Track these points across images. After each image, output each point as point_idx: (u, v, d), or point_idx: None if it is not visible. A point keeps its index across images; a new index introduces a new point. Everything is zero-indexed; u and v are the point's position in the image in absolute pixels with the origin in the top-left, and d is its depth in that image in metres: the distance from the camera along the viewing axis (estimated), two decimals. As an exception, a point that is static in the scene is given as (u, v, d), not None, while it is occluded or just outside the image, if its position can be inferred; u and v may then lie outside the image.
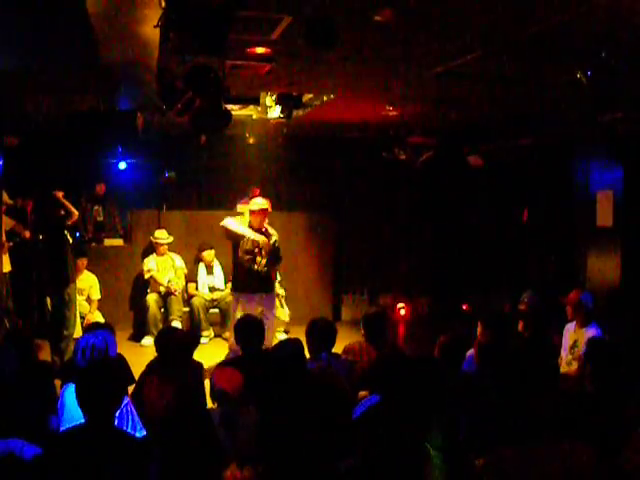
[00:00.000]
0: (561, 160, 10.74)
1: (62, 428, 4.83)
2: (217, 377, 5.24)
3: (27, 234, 10.79)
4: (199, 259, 11.73)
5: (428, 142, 12.64)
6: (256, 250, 9.20)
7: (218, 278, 11.74)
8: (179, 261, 11.56)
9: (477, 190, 13.08)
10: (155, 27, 5.00)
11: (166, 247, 11.47)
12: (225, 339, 11.15)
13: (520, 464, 3.94)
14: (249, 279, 9.25)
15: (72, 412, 4.82)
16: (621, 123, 8.62)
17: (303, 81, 8.00)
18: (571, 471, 3.91)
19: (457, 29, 5.70)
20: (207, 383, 5.92)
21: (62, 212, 9.17)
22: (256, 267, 9.14)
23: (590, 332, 7.17)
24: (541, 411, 4.19)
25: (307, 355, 6.03)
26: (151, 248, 11.63)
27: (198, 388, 6.13)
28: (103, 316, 10.58)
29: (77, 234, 11.38)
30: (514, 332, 7.45)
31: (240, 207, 13.01)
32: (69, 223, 9.28)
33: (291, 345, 5.88)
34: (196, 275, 11.65)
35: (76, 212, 9.35)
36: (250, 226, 9.29)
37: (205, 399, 6.10)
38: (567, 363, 7.28)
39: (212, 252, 11.63)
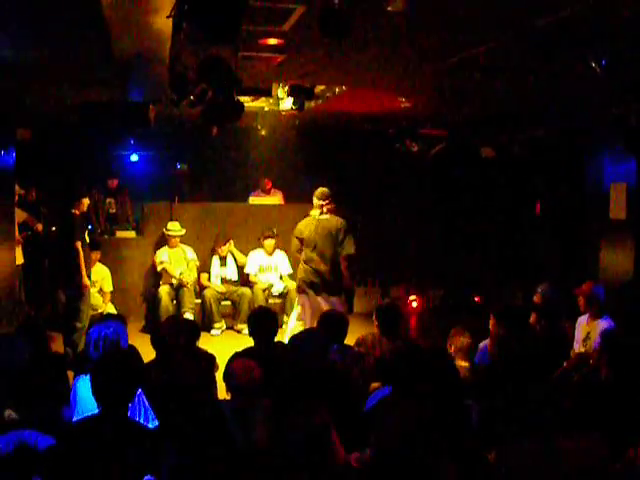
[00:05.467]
0: (574, 152, 10.68)
1: (74, 419, 4.84)
2: (234, 368, 5.23)
3: (39, 227, 10.82)
4: (214, 251, 11.75)
5: (440, 134, 12.62)
6: None
7: (231, 270, 11.76)
8: (191, 253, 11.57)
9: (489, 182, 13.03)
10: (167, 18, 4.99)
11: (178, 239, 11.49)
12: (238, 331, 11.18)
13: (533, 457, 3.93)
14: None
15: (85, 403, 4.84)
16: (635, 114, 8.58)
17: (315, 72, 7.97)
18: (585, 464, 3.90)
19: (470, 20, 5.67)
20: (219, 375, 5.94)
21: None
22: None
23: (603, 324, 7.14)
24: (555, 403, 4.18)
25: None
26: (163, 240, 11.65)
27: (209, 379, 6.15)
28: (115, 308, 10.62)
29: (90, 227, 11.41)
30: (526, 324, 7.43)
31: (252, 199, 13.03)
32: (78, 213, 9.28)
33: (313, 337, 5.91)
34: (210, 266, 11.68)
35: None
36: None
37: (216, 390, 6.12)
38: (580, 356, 7.26)
39: (226, 247, 11.66)
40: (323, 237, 9.10)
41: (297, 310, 9.32)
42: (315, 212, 9.29)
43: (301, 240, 9.23)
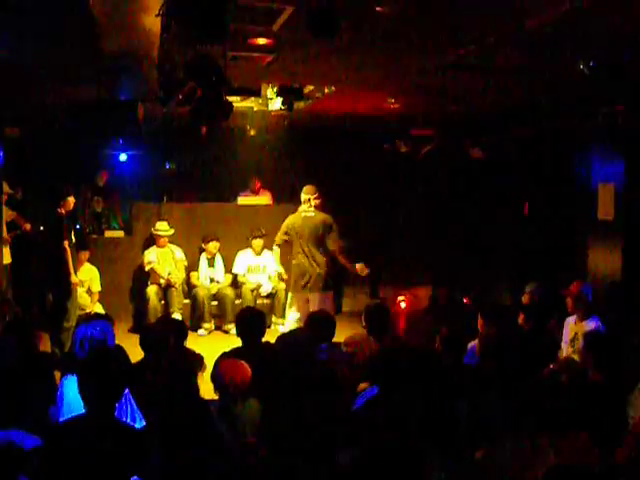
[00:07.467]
0: (562, 152, 10.71)
1: (61, 419, 4.83)
2: (222, 368, 5.24)
3: (27, 226, 10.79)
4: (202, 250, 11.72)
5: (429, 134, 12.63)
6: None
7: (218, 270, 11.74)
8: (179, 253, 11.54)
9: (478, 182, 13.05)
10: (156, 16, 4.99)
11: (166, 239, 11.45)
12: (225, 331, 11.16)
13: (520, 456, 3.94)
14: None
15: (71, 403, 4.82)
16: (623, 115, 8.61)
17: (304, 73, 7.97)
18: (572, 464, 3.91)
19: (458, 21, 5.68)
20: (206, 375, 5.93)
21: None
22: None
23: (590, 325, 7.15)
24: (542, 403, 4.19)
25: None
26: (152, 240, 11.61)
27: (195, 379, 6.14)
28: (103, 308, 10.58)
29: (77, 226, 11.35)
30: (514, 325, 7.45)
31: (241, 199, 13.00)
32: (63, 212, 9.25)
33: (299, 337, 5.92)
34: (198, 266, 11.65)
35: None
36: None
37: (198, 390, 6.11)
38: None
39: (216, 244, 11.63)
40: (307, 234, 9.22)
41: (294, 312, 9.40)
42: (302, 207, 9.36)
43: (288, 234, 9.42)
